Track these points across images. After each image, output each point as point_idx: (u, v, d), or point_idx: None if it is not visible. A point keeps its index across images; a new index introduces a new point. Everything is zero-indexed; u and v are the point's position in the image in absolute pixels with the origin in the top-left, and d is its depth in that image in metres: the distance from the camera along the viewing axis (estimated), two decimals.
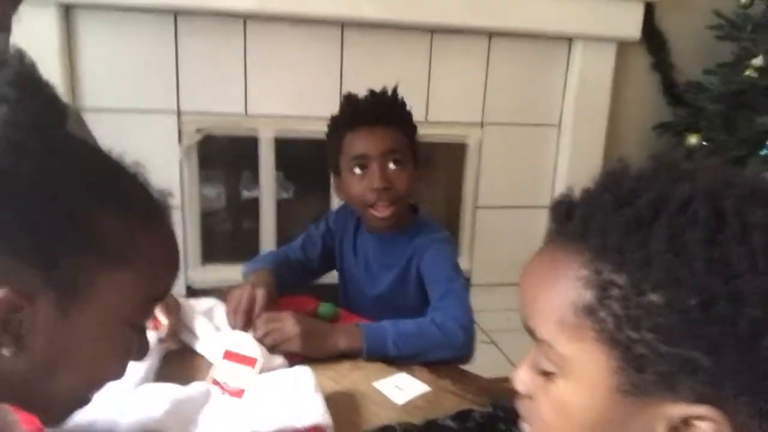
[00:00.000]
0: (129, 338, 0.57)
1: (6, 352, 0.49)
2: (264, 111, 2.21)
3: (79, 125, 1.15)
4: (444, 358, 1.07)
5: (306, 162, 2.33)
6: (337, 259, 1.40)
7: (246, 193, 2.50)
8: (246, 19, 2.11)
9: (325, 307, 1.23)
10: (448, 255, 1.24)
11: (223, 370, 0.96)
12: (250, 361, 0.96)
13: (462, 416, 0.85)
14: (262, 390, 0.92)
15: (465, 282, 1.22)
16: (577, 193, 0.51)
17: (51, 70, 1.94)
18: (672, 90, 2.49)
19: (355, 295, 1.35)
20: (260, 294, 1.13)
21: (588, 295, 0.46)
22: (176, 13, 2.06)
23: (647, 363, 0.45)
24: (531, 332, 0.52)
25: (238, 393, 0.93)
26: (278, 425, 0.82)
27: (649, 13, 2.39)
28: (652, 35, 2.45)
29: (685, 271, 0.43)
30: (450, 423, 0.84)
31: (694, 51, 2.47)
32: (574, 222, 0.49)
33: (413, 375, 1.03)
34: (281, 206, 2.36)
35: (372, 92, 1.26)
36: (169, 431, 0.83)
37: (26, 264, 0.49)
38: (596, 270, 0.46)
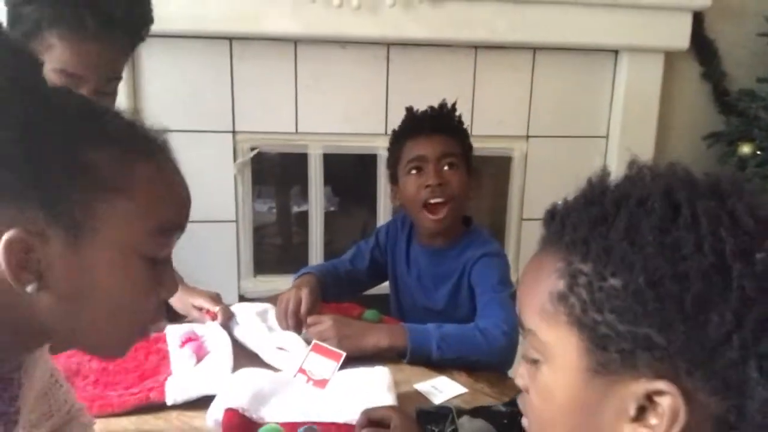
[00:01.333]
0: (144, 269, 0.59)
1: (30, 289, 0.53)
2: (313, 129, 2.30)
3: None
4: (484, 364, 1.10)
5: (353, 177, 2.40)
6: (389, 272, 1.45)
7: (295, 208, 2.59)
8: (296, 42, 2.21)
9: (369, 314, 1.28)
10: (497, 267, 1.27)
11: (310, 361, 1.04)
12: (335, 356, 1.04)
13: (513, 402, 0.88)
14: (342, 383, 0.99)
15: (513, 293, 1.24)
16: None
17: (119, 95, 2.10)
18: (724, 99, 2.44)
19: (409, 307, 1.37)
20: (304, 294, 1.20)
21: (561, 284, 0.51)
22: (231, 39, 2.18)
23: (610, 342, 0.49)
24: (522, 326, 0.57)
25: (322, 383, 1.00)
26: (351, 416, 0.89)
27: (698, 22, 2.35)
28: (702, 44, 2.41)
29: (639, 256, 0.47)
30: (501, 408, 0.88)
31: (746, 59, 2.42)
32: (555, 222, 0.55)
33: (452, 378, 1.06)
34: (329, 219, 2.43)
35: (431, 107, 1.36)
36: (250, 408, 0.91)
37: (28, 206, 0.52)
38: (568, 261, 0.51)
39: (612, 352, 0.49)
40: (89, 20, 0.98)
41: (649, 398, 0.49)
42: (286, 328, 1.20)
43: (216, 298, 1.23)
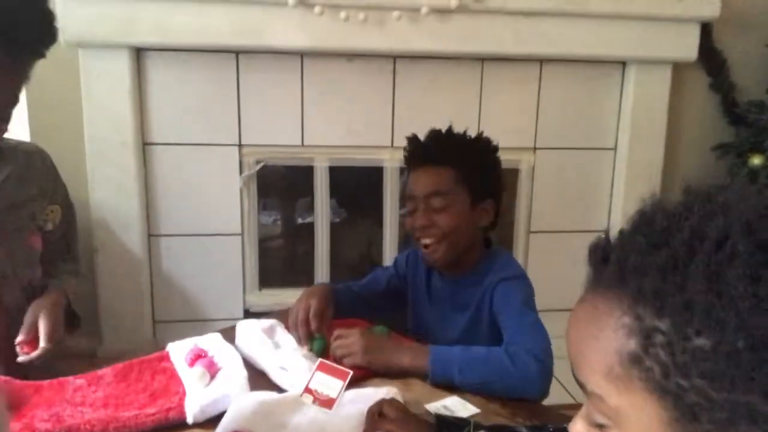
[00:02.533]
0: None
1: None
2: (319, 141, 2.30)
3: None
4: (515, 391, 1.02)
5: (358, 189, 2.39)
6: (408, 301, 1.42)
7: (301, 220, 2.58)
8: (302, 55, 2.21)
9: (377, 329, 1.26)
10: (518, 290, 1.20)
11: (316, 381, 1.02)
12: (342, 374, 1.02)
13: (538, 428, 0.86)
14: (349, 404, 0.97)
15: (538, 317, 1.17)
16: (613, 234, 0.50)
17: (123, 107, 2.10)
18: (733, 110, 2.43)
19: (427, 335, 1.32)
20: (313, 303, 1.19)
21: (632, 344, 0.44)
22: (237, 53, 2.18)
23: (701, 411, 0.42)
24: (581, 386, 0.50)
25: (329, 403, 0.98)
26: None
27: (706, 33, 2.34)
28: (710, 55, 2.40)
29: (729, 312, 0.40)
30: (523, 430, 0.86)
31: (755, 70, 2.40)
32: (611, 267, 0.47)
33: (464, 399, 1.04)
34: (334, 231, 2.42)
35: (431, 132, 1.28)
36: (256, 431, 0.89)
37: None
38: (637, 316, 0.44)
39: (704, 422, 0.42)
40: None
41: None
42: (297, 339, 1.19)
43: (51, 336, 1.13)
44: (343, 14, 2.07)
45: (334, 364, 1.06)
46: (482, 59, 2.31)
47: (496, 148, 1.31)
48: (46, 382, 1.02)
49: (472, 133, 1.30)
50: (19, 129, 2.08)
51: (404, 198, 1.32)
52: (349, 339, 1.13)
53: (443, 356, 1.10)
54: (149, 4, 2.03)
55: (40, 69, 2.24)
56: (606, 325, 0.46)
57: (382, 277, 1.46)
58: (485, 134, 1.32)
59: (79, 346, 2.19)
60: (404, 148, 1.30)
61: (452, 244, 1.25)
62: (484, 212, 1.27)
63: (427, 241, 1.25)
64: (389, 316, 1.37)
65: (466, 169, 1.24)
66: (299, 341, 1.19)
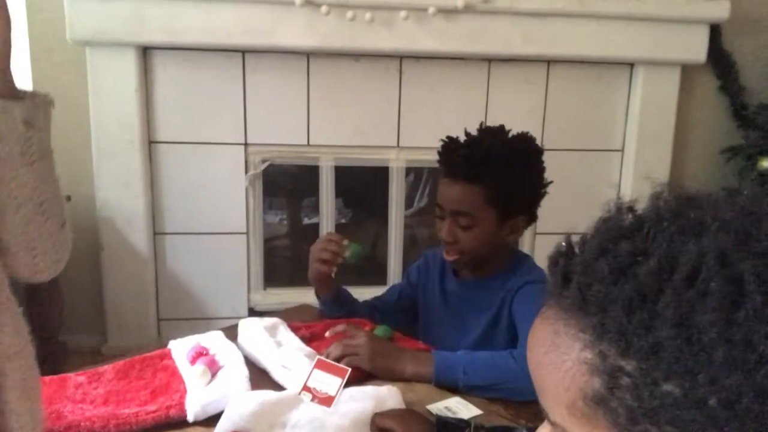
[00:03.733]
0: None
1: None
2: (325, 141, 2.29)
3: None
4: (520, 394, 1.00)
5: (363, 189, 2.38)
6: (420, 305, 1.41)
7: (306, 220, 2.58)
8: (309, 55, 2.21)
9: (380, 330, 1.26)
10: (540, 296, 1.19)
11: (314, 378, 1.01)
12: (340, 372, 1.02)
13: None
14: (350, 401, 0.97)
15: None
16: (575, 241, 0.45)
17: (129, 105, 2.11)
18: (742, 113, 2.40)
19: (441, 338, 1.30)
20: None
21: (595, 383, 0.40)
22: (244, 52, 2.18)
23: None
24: (543, 411, 0.47)
25: (328, 401, 0.97)
26: None
27: (715, 34, 2.33)
28: (719, 57, 2.38)
29: (700, 360, 0.36)
30: (523, 431, 0.85)
31: (765, 72, 2.38)
32: (572, 290, 0.42)
33: (466, 400, 1.04)
34: (340, 231, 2.41)
35: (467, 141, 1.22)
36: (255, 430, 0.89)
37: None
38: (600, 353, 0.40)
39: None
40: None
41: None
42: (302, 339, 1.19)
43: None
44: (349, 14, 2.07)
45: (332, 362, 1.06)
46: (489, 59, 2.30)
47: (540, 151, 1.26)
48: (47, 378, 1.01)
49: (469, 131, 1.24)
50: None
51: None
52: (356, 340, 1.12)
53: (447, 360, 1.09)
54: (157, 3, 2.03)
55: (48, 66, 2.26)
56: (567, 357, 0.42)
57: (394, 290, 1.46)
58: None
59: (84, 343, 2.20)
60: (438, 151, 1.25)
61: (474, 258, 1.24)
62: (514, 227, 1.23)
63: (449, 256, 1.24)
64: (404, 328, 1.35)
65: (498, 187, 1.18)
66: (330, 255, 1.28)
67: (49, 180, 0.63)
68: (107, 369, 1.06)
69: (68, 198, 2.14)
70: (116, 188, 2.16)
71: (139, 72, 2.12)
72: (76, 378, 1.03)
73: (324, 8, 2.05)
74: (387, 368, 1.09)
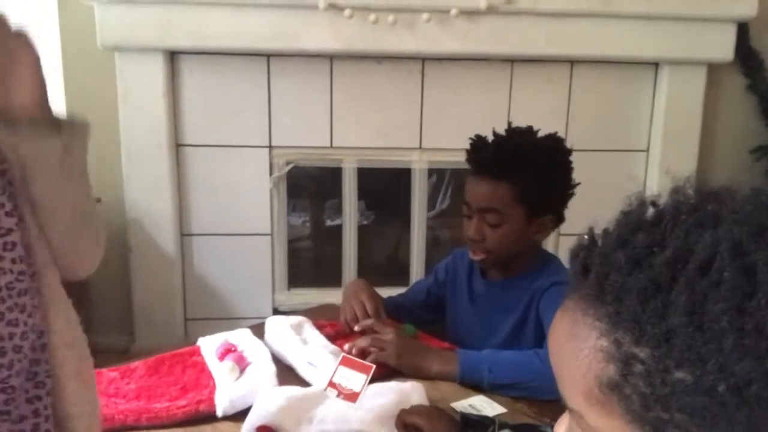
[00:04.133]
0: None
1: None
2: (348, 143, 2.31)
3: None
4: (545, 393, 0.99)
5: (386, 191, 2.40)
6: (447, 306, 1.41)
7: (329, 221, 2.60)
8: (332, 58, 2.23)
9: (405, 329, 1.27)
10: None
11: (340, 375, 1.03)
12: (365, 368, 1.03)
13: None
14: (374, 397, 0.98)
15: None
16: (597, 234, 0.46)
17: (157, 109, 2.15)
18: None
19: (468, 340, 1.29)
20: (364, 298, 1.25)
21: (611, 370, 0.41)
22: (269, 56, 2.22)
23: None
24: (562, 399, 0.48)
25: (353, 397, 0.99)
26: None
27: (743, 32, 2.29)
28: (747, 56, 2.34)
29: (711, 347, 0.37)
30: (548, 430, 0.85)
31: None
32: (590, 281, 0.43)
33: (490, 398, 1.04)
34: (362, 233, 2.43)
35: (496, 138, 1.22)
36: (282, 425, 0.91)
37: None
38: (615, 341, 0.41)
39: None
40: None
41: None
42: (327, 337, 1.21)
43: None
44: (372, 17, 2.08)
45: (357, 359, 1.07)
46: (512, 60, 2.30)
47: (568, 152, 1.26)
48: None
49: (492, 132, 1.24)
50: None
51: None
52: (385, 336, 1.14)
53: (472, 359, 1.10)
54: (185, 9, 2.07)
55: (79, 72, 2.31)
56: (584, 345, 0.43)
57: (422, 287, 1.46)
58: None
59: (112, 343, 2.25)
60: (467, 150, 1.25)
61: (501, 257, 1.24)
62: (542, 226, 1.23)
63: (476, 255, 1.24)
64: (429, 327, 1.36)
65: (526, 185, 1.18)
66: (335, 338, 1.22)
67: (87, 193, 0.71)
68: (138, 365, 1.09)
69: (98, 200, 2.20)
70: (144, 191, 2.21)
71: (166, 76, 2.16)
72: (108, 373, 1.06)
73: (347, 11, 2.07)
74: (413, 366, 1.10)
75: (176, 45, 2.13)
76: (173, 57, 2.19)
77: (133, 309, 2.28)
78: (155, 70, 2.14)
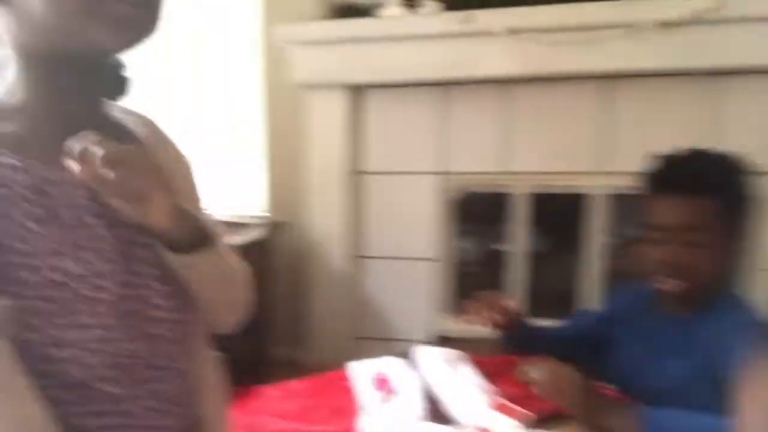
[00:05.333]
0: None
1: None
2: (520, 168, 2.24)
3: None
4: None
5: (560, 217, 2.27)
6: (615, 339, 1.29)
7: (500, 248, 2.52)
8: (510, 82, 2.18)
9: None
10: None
11: (491, 420, 0.99)
12: (518, 415, 0.98)
13: None
14: None
15: None
16: None
17: (342, 140, 2.30)
18: None
19: (632, 377, 1.19)
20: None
21: None
22: (446, 84, 2.23)
23: None
24: None
25: None
26: None
27: None
28: None
29: None
30: None
31: None
32: None
33: None
34: (535, 261, 2.32)
35: (691, 153, 1.14)
36: None
37: None
38: None
39: None
40: None
41: None
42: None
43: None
44: (552, 38, 1.99)
45: (514, 406, 1.00)
46: (716, 74, 2.02)
47: (748, 171, 1.13)
48: (249, 388, 1.13)
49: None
50: (256, 160, 2.41)
51: (644, 226, 1.16)
52: (537, 370, 1.04)
53: (661, 424, 0.95)
54: (368, 47, 2.19)
55: (277, 107, 2.56)
56: None
57: (583, 320, 1.34)
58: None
59: (287, 355, 2.42)
60: (646, 171, 1.16)
61: (703, 284, 1.10)
62: (739, 251, 1.11)
63: (670, 285, 1.10)
64: (587, 364, 1.23)
65: (726, 200, 1.09)
66: None
67: (226, 264, 0.74)
68: (295, 384, 1.14)
69: (286, 224, 2.41)
70: (326, 215, 2.36)
71: (351, 109, 2.30)
72: (270, 391, 1.13)
73: (526, 34, 2.00)
74: (586, 416, 0.99)
75: (360, 80, 2.26)
76: (358, 90, 2.32)
77: (307, 324, 2.42)
78: (342, 103, 2.30)
